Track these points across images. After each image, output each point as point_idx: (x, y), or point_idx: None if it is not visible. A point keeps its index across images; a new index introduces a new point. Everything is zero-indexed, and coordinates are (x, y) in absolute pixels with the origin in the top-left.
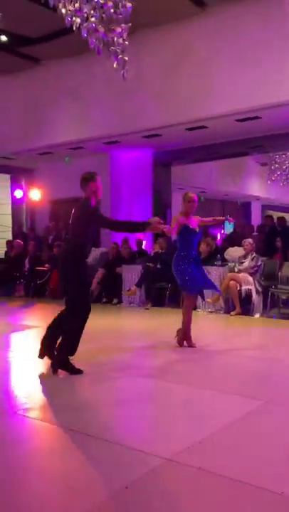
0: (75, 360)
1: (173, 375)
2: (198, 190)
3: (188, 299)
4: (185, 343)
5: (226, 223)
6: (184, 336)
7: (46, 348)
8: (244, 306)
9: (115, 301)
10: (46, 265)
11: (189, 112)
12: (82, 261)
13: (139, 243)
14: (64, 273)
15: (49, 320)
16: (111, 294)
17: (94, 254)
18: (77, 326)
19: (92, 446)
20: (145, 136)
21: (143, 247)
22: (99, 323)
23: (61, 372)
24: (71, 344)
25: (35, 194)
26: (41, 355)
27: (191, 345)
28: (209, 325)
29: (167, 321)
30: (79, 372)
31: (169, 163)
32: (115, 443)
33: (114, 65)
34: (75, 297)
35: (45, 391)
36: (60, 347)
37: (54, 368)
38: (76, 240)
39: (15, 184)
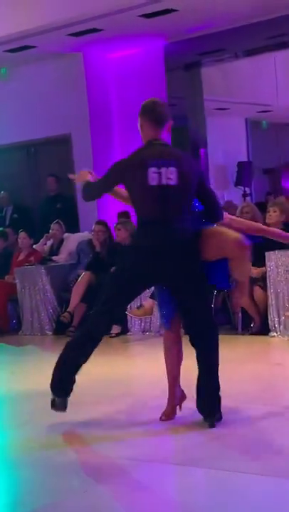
0: None
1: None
2: (257, 109)
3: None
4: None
5: None
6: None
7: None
8: None
9: (116, 329)
10: None
11: None
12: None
13: None
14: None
15: None
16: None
17: (69, 245)
18: None
19: None
20: (146, 14)
21: None
22: (92, 373)
23: None
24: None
25: None
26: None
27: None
28: None
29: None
30: None
31: (198, 63)
32: None
33: None
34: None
35: None
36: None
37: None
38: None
39: None
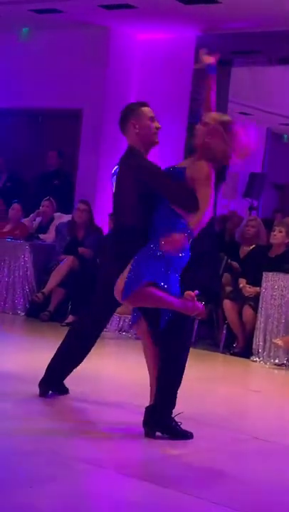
0: None
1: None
2: (281, 121)
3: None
4: None
5: None
6: None
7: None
8: None
9: (70, 318)
10: None
11: None
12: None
13: None
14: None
15: None
16: (84, 307)
17: (53, 226)
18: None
19: None
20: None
21: None
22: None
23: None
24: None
25: None
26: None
27: None
28: (274, 392)
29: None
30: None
31: (229, 61)
32: None
33: None
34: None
35: None
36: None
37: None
38: (124, 219)
39: None
